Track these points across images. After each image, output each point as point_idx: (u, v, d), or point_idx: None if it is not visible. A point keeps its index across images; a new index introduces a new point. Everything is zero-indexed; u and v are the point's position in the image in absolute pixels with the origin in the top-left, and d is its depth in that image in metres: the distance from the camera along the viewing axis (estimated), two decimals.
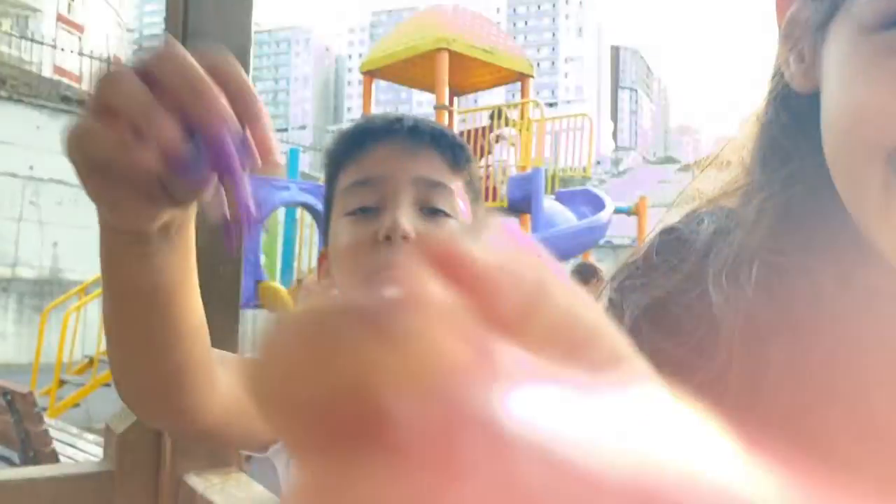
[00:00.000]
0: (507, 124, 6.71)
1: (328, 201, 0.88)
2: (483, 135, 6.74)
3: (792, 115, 0.44)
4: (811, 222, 0.43)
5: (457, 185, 0.83)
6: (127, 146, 0.39)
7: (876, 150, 0.36)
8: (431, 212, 0.80)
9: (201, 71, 0.41)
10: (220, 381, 0.58)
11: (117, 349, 0.53)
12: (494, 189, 6.44)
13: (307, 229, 5.93)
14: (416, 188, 0.80)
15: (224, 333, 0.84)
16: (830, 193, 0.42)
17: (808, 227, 0.43)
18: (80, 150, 0.41)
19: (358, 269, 0.77)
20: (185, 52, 0.42)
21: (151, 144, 0.39)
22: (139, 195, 0.43)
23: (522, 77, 7.56)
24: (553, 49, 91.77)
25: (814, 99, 0.41)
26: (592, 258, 6.61)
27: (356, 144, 0.85)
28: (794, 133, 0.44)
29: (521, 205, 6.39)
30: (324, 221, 0.90)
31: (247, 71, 0.77)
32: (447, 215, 0.81)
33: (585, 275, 5.28)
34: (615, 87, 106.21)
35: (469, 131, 6.73)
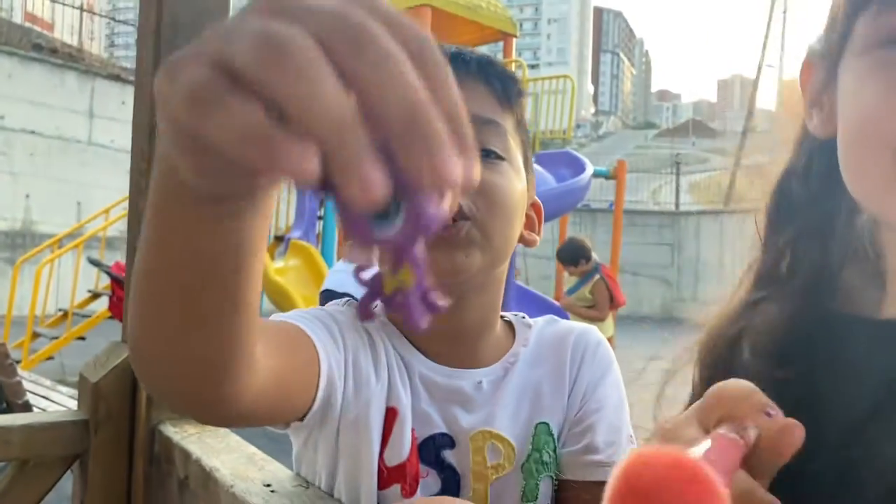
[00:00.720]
0: None
1: None
2: None
3: (809, 166, 0.55)
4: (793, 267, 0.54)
5: (508, 122, 0.71)
6: (287, 159, 0.24)
7: (882, 142, 0.44)
8: (482, 153, 0.67)
9: (421, 89, 0.25)
10: (260, 361, 0.50)
11: (157, 326, 0.44)
12: None
13: (284, 186, 5.87)
14: None
15: None
16: (827, 241, 0.53)
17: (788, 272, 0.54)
18: (191, 116, 0.26)
19: None
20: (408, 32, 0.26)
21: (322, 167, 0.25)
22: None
23: (505, 36, 7.47)
24: (536, 9, 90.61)
25: (830, 145, 0.50)
26: (570, 221, 6.64)
27: None
28: (806, 189, 0.55)
29: None
30: None
31: None
32: (500, 157, 0.69)
33: (574, 255, 4.99)
34: (597, 50, 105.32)
35: None
